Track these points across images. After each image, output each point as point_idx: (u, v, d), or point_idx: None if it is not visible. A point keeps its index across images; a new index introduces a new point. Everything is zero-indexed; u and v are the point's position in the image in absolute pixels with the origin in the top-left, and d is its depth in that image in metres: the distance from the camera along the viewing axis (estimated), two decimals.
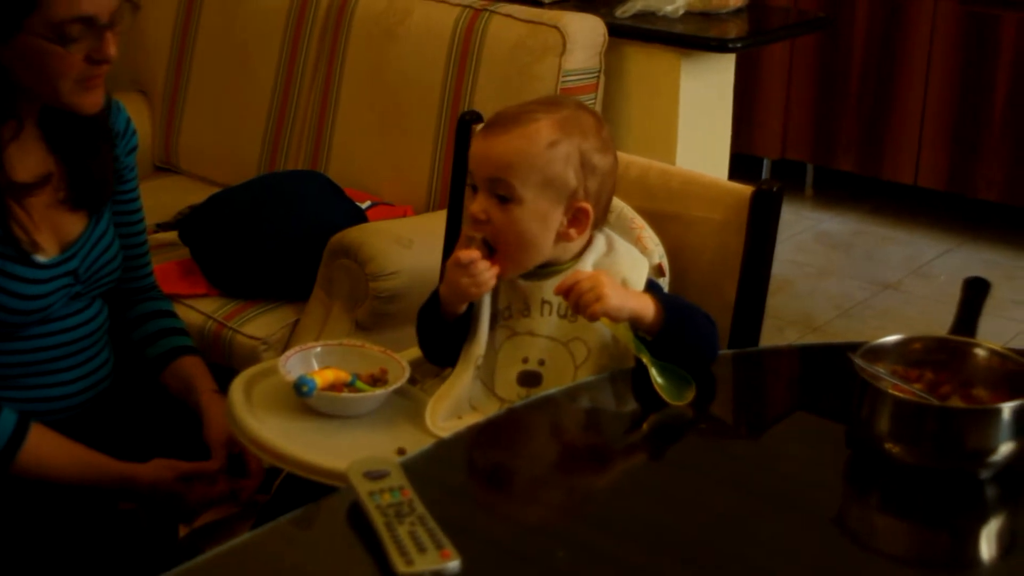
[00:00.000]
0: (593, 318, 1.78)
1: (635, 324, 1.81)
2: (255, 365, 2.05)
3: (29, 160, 2.07)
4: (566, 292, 1.80)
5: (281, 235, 2.85)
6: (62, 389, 2.14)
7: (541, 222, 1.87)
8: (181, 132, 3.69)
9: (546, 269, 1.91)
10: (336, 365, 1.94)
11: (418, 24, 3.18)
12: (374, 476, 1.45)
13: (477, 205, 1.88)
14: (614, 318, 1.79)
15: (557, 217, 1.88)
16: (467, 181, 1.94)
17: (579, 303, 1.78)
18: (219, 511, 2.19)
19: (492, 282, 1.88)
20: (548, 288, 1.89)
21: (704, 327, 1.87)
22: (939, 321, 3.93)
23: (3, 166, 2.02)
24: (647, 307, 1.81)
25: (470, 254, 1.86)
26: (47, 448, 2.06)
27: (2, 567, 1.97)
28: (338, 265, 2.77)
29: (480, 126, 2.02)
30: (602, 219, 1.95)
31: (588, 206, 1.88)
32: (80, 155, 2.12)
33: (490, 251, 1.88)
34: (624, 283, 1.88)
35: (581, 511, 1.55)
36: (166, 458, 2.14)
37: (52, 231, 2.10)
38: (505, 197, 1.86)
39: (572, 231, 1.89)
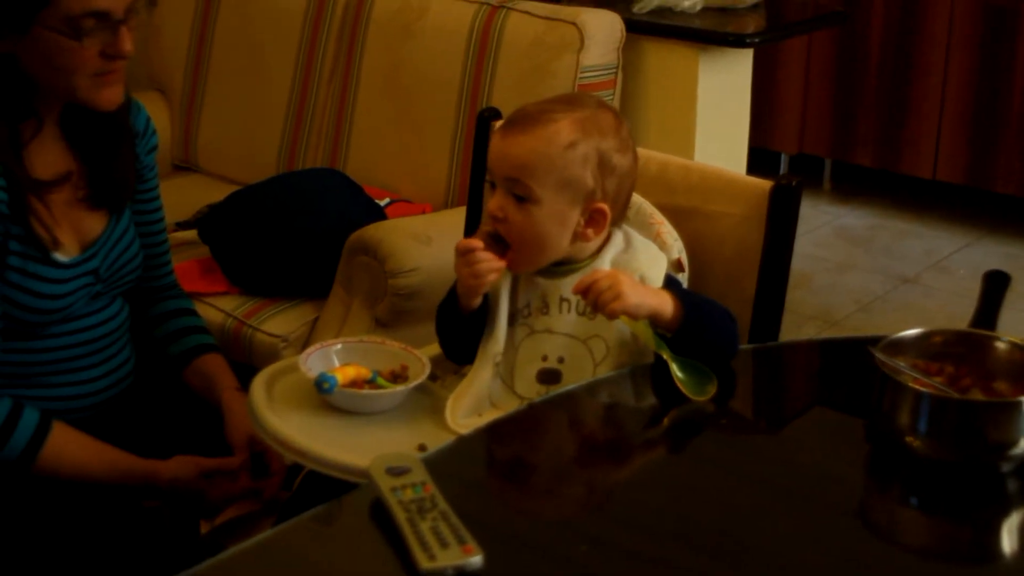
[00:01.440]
0: (612, 316, 1.78)
1: (654, 321, 1.81)
2: (276, 362, 2.06)
3: (49, 159, 2.08)
4: (584, 291, 1.80)
5: (300, 233, 2.86)
6: (84, 387, 2.15)
7: (558, 222, 1.87)
8: (200, 131, 3.70)
9: (564, 267, 1.91)
10: (356, 362, 1.95)
11: (435, 21, 3.18)
12: (396, 472, 1.46)
13: (495, 203, 1.88)
14: (633, 316, 1.79)
15: (574, 217, 1.88)
16: (486, 178, 1.94)
17: (598, 301, 1.78)
18: (241, 508, 2.19)
19: (492, 276, 1.87)
20: (566, 286, 1.89)
21: (723, 322, 1.87)
22: (958, 315, 3.92)
23: (23, 164, 2.03)
24: (666, 304, 1.81)
25: (469, 243, 1.86)
26: (69, 446, 2.06)
27: (27, 565, 1.98)
28: (357, 262, 2.77)
29: (500, 123, 2.03)
30: (620, 217, 1.95)
31: (605, 207, 1.88)
32: (101, 155, 2.13)
33: (497, 244, 1.87)
34: (642, 279, 1.88)
35: (602, 506, 1.56)
36: (188, 455, 2.15)
37: (73, 231, 2.10)
38: (522, 197, 1.86)
39: (589, 231, 1.89)
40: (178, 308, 2.36)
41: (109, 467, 2.08)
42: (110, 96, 2.04)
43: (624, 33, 3.08)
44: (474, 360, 1.93)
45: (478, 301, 1.91)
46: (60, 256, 2.06)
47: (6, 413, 2.02)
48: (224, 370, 2.29)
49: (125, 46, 2.01)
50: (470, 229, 2.36)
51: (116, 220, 2.17)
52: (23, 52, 1.98)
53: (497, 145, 1.90)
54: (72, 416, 2.11)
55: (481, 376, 1.90)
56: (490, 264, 1.86)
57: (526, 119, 1.88)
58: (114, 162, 2.14)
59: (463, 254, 1.87)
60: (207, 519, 2.19)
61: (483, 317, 1.92)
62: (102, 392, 2.18)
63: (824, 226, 5.11)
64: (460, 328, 1.95)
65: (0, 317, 2.02)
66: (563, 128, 1.86)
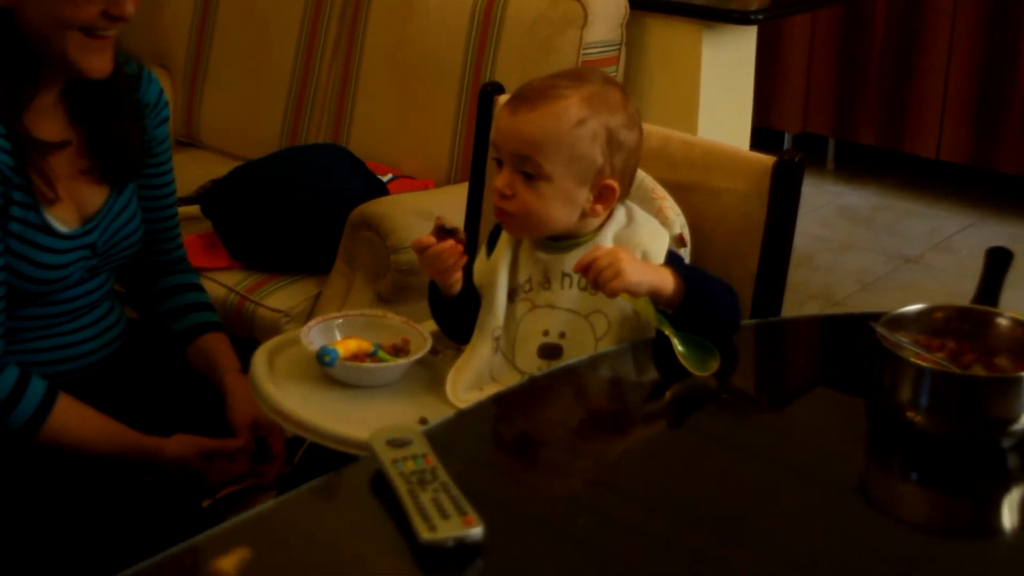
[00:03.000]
0: (612, 294, 1.78)
1: (655, 298, 1.81)
2: (278, 336, 2.06)
3: (50, 126, 2.06)
4: (584, 269, 1.79)
5: (303, 208, 2.86)
6: (71, 349, 2.15)
7: (566, 199, 1.87)
8: (203, 106, 3.70)
9: (567, 242, 1.91)
10: (358, 335, 1.95)
11: None
12: (397, 444, 1.46)
13: (502, 180, 1.87)
14: (633, 293, 1.79)
15: (583, 194, 1.87)
16: (491, 155, 1.93)
17: (598, 280, 1.77)
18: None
19: (450, 262, 1.89)
20: (568, 261, 1.89)
21: (725, 298, 1.86)
22: (961, 295, 3.91)
23: (23, 122, 2.01)
24: (666, 281, 1.81)
25: (420, 241, 1.89)
26: (73, 417, 2.07)
27: (28, 535, 1.99)
28: (360, 238, 2.77)
29: (504, 98, 2.02)
30: (626, 193, 1.95)
31: (614, 183, 1.88)
32: (104, 127, 2.12)
33: (447, 234, 1.88)
34: (644, 255, 1.88)
35: (602, 479, 1.56)
36: (189, 431, 2.15)
37: (73, 203, 2.10)
38: (531, 174, 1.85)
39: (598, 207, 1.89)
40: (184, 283, 2.36)
41: (112, 440, 2.09)
42: (97, 64, 2.01)
43: (628, 9, 3.08)
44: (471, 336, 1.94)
45: (457, 288, 1.92)
46: (60, 226, 2.06)
47: (13, 381, 2.02)
48: (226, 351, 2.29)
49: (127, 8, 1.98)
50: (472, 205, 2.36)
51: (117, 194, 2.17)
52: (22, 4, 1.96)
53: (505, 122, 1.89)
54: (59, 376, 2.12)
55: (480, 351, 1.91)
56: (445, 259, 1.88)
57: (534, 95, 1.87)
58: (117, 135, 2.13)
59: (419, 253, 1.89)
60: (206, 497, 2.20)
61: (471, 297, 1.93)
62: (89, 354, 2.18)
63: (827, 205, 5.11)
64: (450, 312, 1.96)
65: (3, 284, 2.01)
66: (572, 105, 1.85)
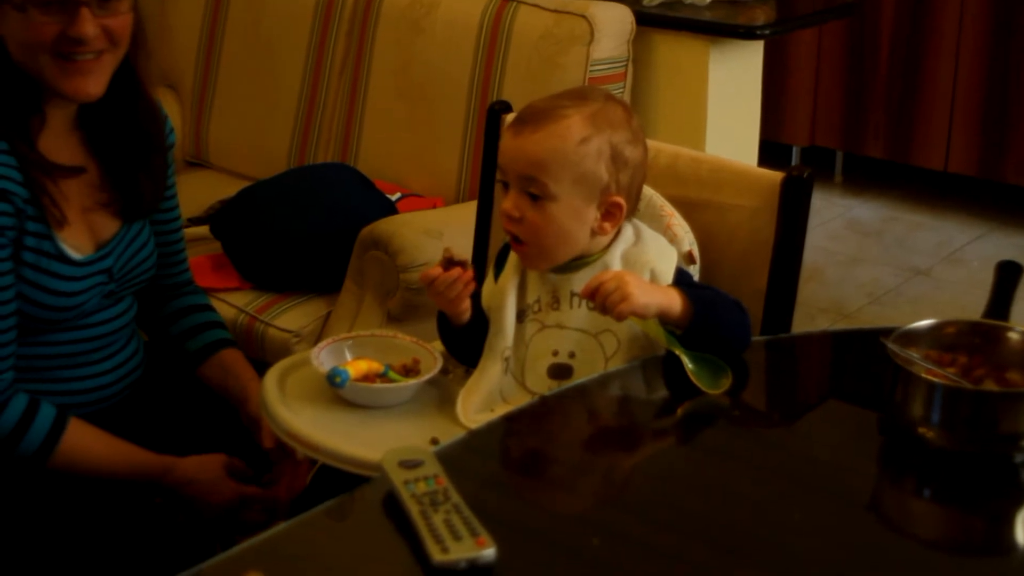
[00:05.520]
0: (620, 318, 1.77)
1: (663, 318, 1.81)
2: (288, 357, 2.06)
3: (64, 152, 2.06)
4: (591, 294, 1.79)
5: (312, 228, 2.86)
6: (95, 381, 2.15)
7: (575, 218, 1.86)
8: (211, 127, 3.71)
9: (575, 262, 1.91)
10: (369, 356, 1.95)
11: (445, 16, 3.18)
12: (409, 465, 1.46)
13: (509, 202, 1.87)
14: (641, 315, 1.78)
15: (591, 212, 1.87)
16: (497, 177, 1.94)
17: (605, 304, 1.77)
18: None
19: (458, 291, 1.88)
20: (577, 281, 1.89)
21: (734, 316, 1.86)
22: (971, 307, 3.92)
23: (36, 146, 2.01)
24: (674, 302, 1.80)
25: (428, 274, 1.89)
26: (85, 441, 2.07)
27: (39, 560, 1.99)
28: (369, 257, 2.78)
29: (509, 118, 2.02)
30: (633, 210, 1.95)
31: (621, 199, 1.88)
32: (125, 165, 2.12)
33: (454, 264, 1.88)
34: (652, 273, 1.87)
35: (615, 499, 1.56)
36: (215, 454, 2.15)
37: (88, 230, 2.10)
38: (538, 195, 1.85)
39: (606, 225, 1.89)
40: (194, 304, 2.35)
41: (125, 461, 2.08)
42: (78, 85, 1.99)
43: (634, 26, 3.08)
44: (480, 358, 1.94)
45: (467, 316, 1.92)
46: (74, 253, 2.06)
47: (23, 408, 2.02)
48: (244, 363, 2.29)
49: (80, 29, 1.94)
50: (481, 223, 2.36)
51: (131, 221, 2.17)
52: (4, 31, 1.97)
53: (509, 144, 1.89)
54: (85, 410, 2.12)
55: (490, 372, 1.90)
56: (456, 287, 1.88)
57: (537, 116, 1.87)
58: (142, 174, 2.13)
59: (428, 285, 1.89)
60: (220, 542, 2.18)
61: (479, 324, 1.93)
62: (113, 385, 2.18)
63: (836, 219, 5.11)
64: (460, 338, 1.96)
65: (15, 314, 2.02)
66: (575, 123, 1.85)
